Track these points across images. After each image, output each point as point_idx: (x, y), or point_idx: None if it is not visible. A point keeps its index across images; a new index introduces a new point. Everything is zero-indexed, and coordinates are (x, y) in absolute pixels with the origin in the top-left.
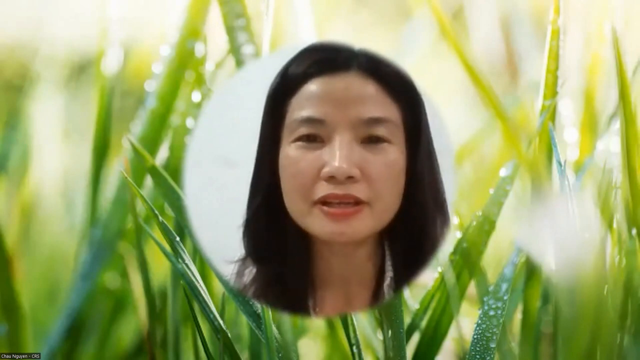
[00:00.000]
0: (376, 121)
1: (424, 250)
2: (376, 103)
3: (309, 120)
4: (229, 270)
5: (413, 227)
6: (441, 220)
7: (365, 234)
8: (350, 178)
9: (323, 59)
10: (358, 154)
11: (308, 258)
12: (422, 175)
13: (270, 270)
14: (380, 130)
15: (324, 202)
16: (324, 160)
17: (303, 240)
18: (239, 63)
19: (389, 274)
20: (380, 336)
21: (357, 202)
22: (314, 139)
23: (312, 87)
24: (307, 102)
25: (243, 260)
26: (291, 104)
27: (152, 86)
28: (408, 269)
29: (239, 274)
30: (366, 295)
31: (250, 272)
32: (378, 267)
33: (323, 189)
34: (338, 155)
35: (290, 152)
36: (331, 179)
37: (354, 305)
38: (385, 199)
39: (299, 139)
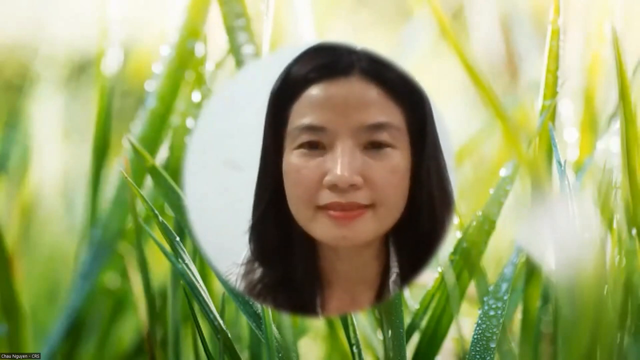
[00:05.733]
0: (378, 127)
1: (430, 248)
2: (378, 108)
3: (310, 128)
4: (234, 270)
5: (419, 227)
6: (449, 219)
7: (368, 238)
8: (352, 186)
9: (324, 64)
10: (360, 160)
11: (314, 261)
12: (428, 177)
13: (276, 272)
14: (383, 136)
15: (328, 208)
16: (327, 167)
17: (308, 244)
18: (239, 63)
19: (394, 270)
20: (380, 336)
21: (360, 207)
22: (315, 146)
23: (313, 93)
24: (308, 109)
25: (250, 262)
26: (293, 110)
27: (152, 86)
28: (414, 265)
29: (247, 273)
30: (371, 294)
31: (258, 272)
32: (383, 265)
33: (326, 197)
34: (340, 163)
35: (292, 159)
36: (334, 187)
37: (359, 303)
38: (388, 203)
39: (300, 146)
